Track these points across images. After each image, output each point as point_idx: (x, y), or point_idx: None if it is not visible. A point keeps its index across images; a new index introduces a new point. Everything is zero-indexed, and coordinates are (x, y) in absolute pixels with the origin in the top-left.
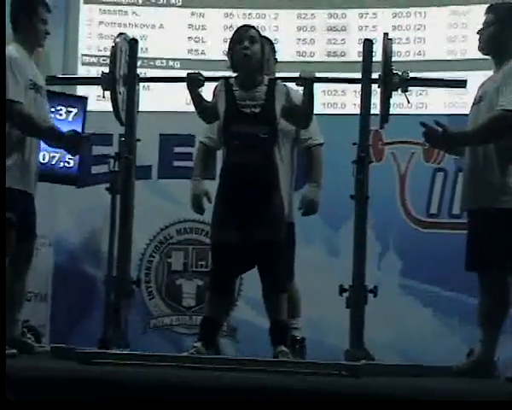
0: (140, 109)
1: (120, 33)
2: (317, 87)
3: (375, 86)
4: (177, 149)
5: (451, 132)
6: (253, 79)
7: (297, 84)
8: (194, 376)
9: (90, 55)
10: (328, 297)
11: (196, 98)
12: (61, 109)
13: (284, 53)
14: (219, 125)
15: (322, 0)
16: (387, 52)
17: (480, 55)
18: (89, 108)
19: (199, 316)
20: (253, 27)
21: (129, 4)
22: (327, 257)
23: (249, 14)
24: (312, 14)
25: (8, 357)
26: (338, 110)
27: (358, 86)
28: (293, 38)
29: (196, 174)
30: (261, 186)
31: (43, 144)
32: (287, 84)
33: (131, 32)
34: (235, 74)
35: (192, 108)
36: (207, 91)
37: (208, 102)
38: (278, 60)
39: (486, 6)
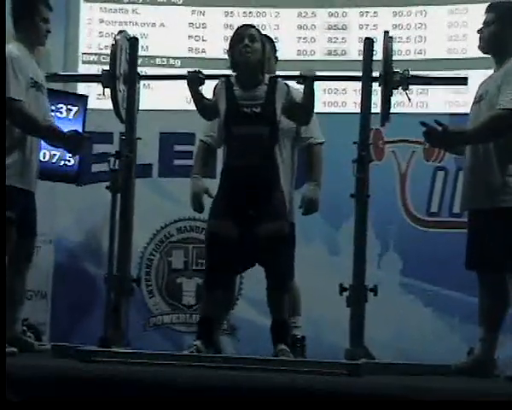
0: (140, 108)
1: (120, 31)
2: (318, 86)
3: (375, 85)
4: (178, 148)
5: (452, 131)
6: (253, 77)
7: (298, 82)
8: (194, 374)
9: (91, 54)
10: (328, 296)
11: (196, 96)
12: (61, 107)
13: (285, 51)
14: (220, 124)
15: None
16: (388, 50)
17: (480, 54)
18: (89, 106)
19: (199, 314)
20: (254, 26)
21: (129, 2)
22: (327, 256)
23: (249, 12)
24: (313, 13)
25: (9, 355)
26: (338, 109)
27: (359, 85)
28: (293, 36)
29: (196, 172)
30: (262, 186)
31: (43, 142)
32: (287, 81)
33: (132, 31)
34: (235, 73)
35: (192, 107)
36: (208, 89)
37: (209, 99)
38: (279, 58)
39: (487, 4)
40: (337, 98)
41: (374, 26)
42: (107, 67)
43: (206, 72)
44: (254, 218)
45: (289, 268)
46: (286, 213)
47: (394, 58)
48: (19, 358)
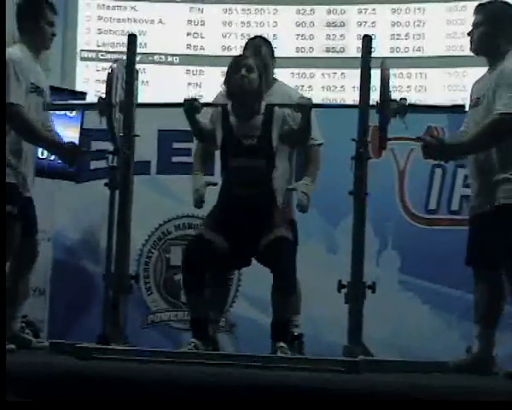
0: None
1: (116, 59)
2: (316, 83)
3: (374, 83)
4: (176, 145)
5: (449, 144)
6: (250, 108)
7: (295, 111)
8: (192, 371)
9: (89, 51)
10: (326, 293)
11: (193, 124)
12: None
13: (283, 48)
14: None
15: None
16: (385, 78)
17: None
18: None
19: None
20: (251, 57)
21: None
22: (325, 253)
23: (248, 9)
24: (311, 10)
25: (7, 352)
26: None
27: (358, 82)
28: (292, 33)
29: (196, 169)
30: (259, 209)
31: None
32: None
33: (130, 27)
34: (231, 102)
35: None
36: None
37: (206, 127)
38: (277, 56)
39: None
40: (336, 95)
41: (372, 23)
42: (105, 65)
43: (204, 69)
44: (251, 234)
45: (294, 270)
46: (284, 222)
47: (392, 56)
48: (17, 355)
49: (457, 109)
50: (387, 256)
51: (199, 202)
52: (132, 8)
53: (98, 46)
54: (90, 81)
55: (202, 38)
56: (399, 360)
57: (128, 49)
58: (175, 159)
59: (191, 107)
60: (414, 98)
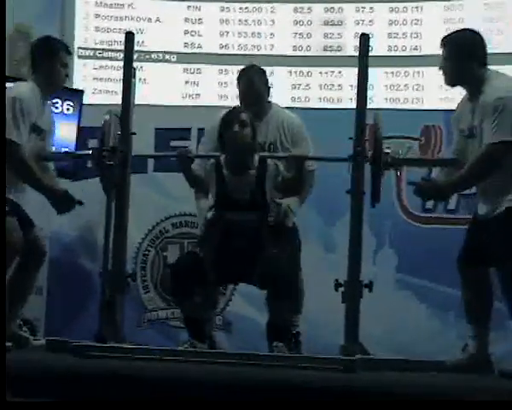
0: (136, 103)
1: (109, 110)
2: (314, 82)
3: (371, 81)
4: (173, 143)
5: (442, 185)
6: (242, 163)
7: (288, 163)
8: (189, 369)
9: (87, 49)
10: (323, 292)
11: (187, 174)
12: (57, 102)
13: (280, 47)
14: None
15: None
16: (378, 131)
17: None
18: (85, 101)
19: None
20: (244, 111)
21: None
22: (323, 252)
23: (246, 7)
24: (309, 8)
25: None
26: (334, 105)
27: (355, 81)
28: (289, 31)
29: (198, 194)
30: (254, 252)
31: None
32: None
33: (128, 25)
34: (224, 155)
35: (188, 102)
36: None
37: (200, 177)
38: (275, 53)
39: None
40: (333, 94)
41: (370, 21)
42: (102, 63)
43: (202, 67)
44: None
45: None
46: (277, 239)
47: (390, 55)
48: (14, 353)
49: (450, 162)
50: (384, 255)
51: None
52: (130, 5)
53: (96, 44)
54: (88, 79)
55: (200, 36)
56: (396, 359)
57: (125, 46)
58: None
59: (184, 158)
60: (411, 97)
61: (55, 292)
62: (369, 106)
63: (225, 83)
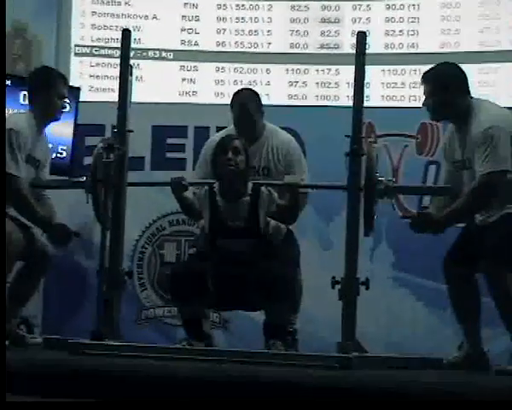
0: (132, 100)
1: (102, 139)
2: (311, 79)
3: (368, 78)
4: (170, 141)
5: (438, 219)
6: (236, 190)
7: (283, 189)
8: (186, 367)
9: (83, 46)
10: (320, 289)
11: (181, 202)
12: None
13: (277, 45)
14: (204, 230)
15: None
16: (372, 159)
17: (473, 48)
18: (81, 98)
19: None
20: (237, 138)
21: None
22: (319, 249)
23: (242, 5)
24: (306, 6)
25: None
26: (331, 102)
27: (352, 79)
28: (286, 29)
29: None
30: (249, 276)
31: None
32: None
33: (124, 23)
34: (218, 183)
35: (185, 100)
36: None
37: (194, 205)
38: (272, 51)
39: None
40: (330, 92)
41: (367, 19)
42: (99, 60)
43: (198, 64)
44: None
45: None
46: (270, 252)
47: (387, 52)
48: (10, 351)
49: (446, 192)
50: (381, 252)
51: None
52: (126, 3)
53: (92, 41)
54: (84, 76)
55: (197, 33)
56: (393, 357)
57: (122, 44)
58: (169, 154)
59: (178, 185)
60: (408, 94)
61: (51, 290)
62: (365, 104)
63: (222, 80)
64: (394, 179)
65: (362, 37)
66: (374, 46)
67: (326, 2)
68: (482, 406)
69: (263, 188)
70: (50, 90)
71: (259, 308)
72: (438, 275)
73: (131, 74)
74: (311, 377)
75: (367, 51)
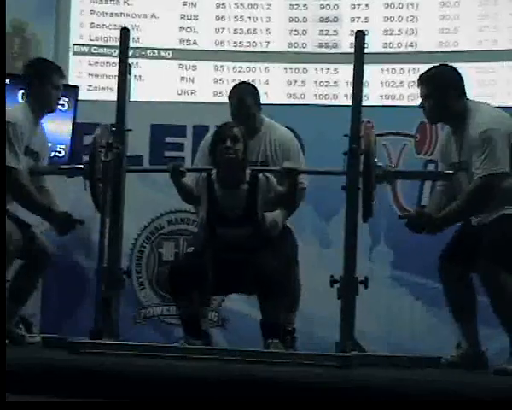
0: (131, 99)
1: (99, 124)
2: (310, 78)
3: (367, 77)
4: (169, 139)
5: (435, 219)
6: (234, 178)
7: (281, 175)
8: (184, 366)
9: (82, 45)
10: (319, 288)
11: (179, 188)
12: None
13: (276, 44)
14: (202, 217)
15: None
16: (370, 143)
17: (472, 47)
18: (80, 97)
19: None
20: (236, 126)
21: None
22: (318, 248)
23: (241, 4)
24: (304, 5)
25: None
26: (330, 101)
27: (351, 78)
28: (285, 28)
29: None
30: (246, 262)
31: None
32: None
33: (123, 21)
34: (216, 170)
35: (184, 99)
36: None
37: (192, 192)
38: (271, 50)
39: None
40: (329, 91)
41: (365, 18)
42: (97, 59)
43: (197, 63)
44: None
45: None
46: (268, 245)
47: (386, 51)
48: (9, 350)
49: (445, 177)
50: (380, 251)
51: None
52: (125, 2)
53: (91, 40)
54: (83, 75)
55: (195, 32)
56: (392, 356)
57: (121, 43)
58: (167, 153)
59: (176, 171)
60: (407, 94)
61: (50, 289)
62: (364, 103)
63: (221, 79)
64: (394, 165)
65: (361, 36)
66: (373, 45)
67: (325, 1)
68: (480, 405)
69: (261, 175)
70: (46, 82)
71: (254, 291)
72: (436, 274)
73: (130, 73)
74: (310, 377)
75: (366, 50)
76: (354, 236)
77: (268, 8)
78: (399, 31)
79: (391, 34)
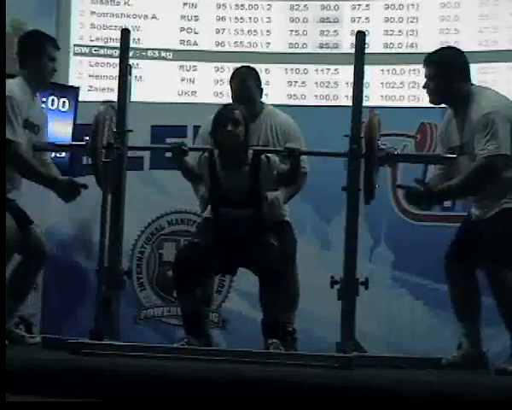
0: (132, 100)
1: (104, 101)
2: (310, 79)
3: (367, 78)
4: (169, 140)
5: (435, 192)
6: (236, 160)
7: (283, 156)
8: (185, 367)
9: (82, 46)
10: (319, 289)
11: (182, 168)
12: (53, 99)
13: (276, 44)
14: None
15: None
16: (373, 126)
17: (473, 48)
18: (80, 98)
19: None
20: (237, 108)
21: None
22: (318, 249)
23: (241, 4)
24: (305, 6)
25: None
26: (330, 102)
27: (351, 78)
28: (285, 29)
29: (194, 182)
30: (248, 241)
31: None
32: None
33: (124, 22)
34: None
35: (184, 100)
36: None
37: (194, 171)
38: (271, 51)
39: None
40: (329, 91)
41: (366, 19)
42: (98, 60)
43: (197, 64)
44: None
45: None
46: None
47: (386, 51)
48: (9, 350)
49: (448, 161)
50: (380, 252)
51: (204, 209)
52: (126, 2)
53: (91, 41)
54: (84, 76)
55: (196, 33)
56: (392, 356)
57: (121, 44)
58: (168, 154)
59: (178, 151)
60: (407, 94)
61: (50, 289)
62: (365, 103)
63: (221, 80)
64: (396, 147)
65: (361, 36)
66: (373, 46)
67: (325, 2)
68: (481, 405)
69: (263, 156)
70: (41, 53)
71: (256, 270)
72: (437, 275)
73: (131, 74)
74: (310, 377)
75: (366, 51)
76: (355, 237)
77: (268, 9)
78: (400, 31)
79: (391, 35)
